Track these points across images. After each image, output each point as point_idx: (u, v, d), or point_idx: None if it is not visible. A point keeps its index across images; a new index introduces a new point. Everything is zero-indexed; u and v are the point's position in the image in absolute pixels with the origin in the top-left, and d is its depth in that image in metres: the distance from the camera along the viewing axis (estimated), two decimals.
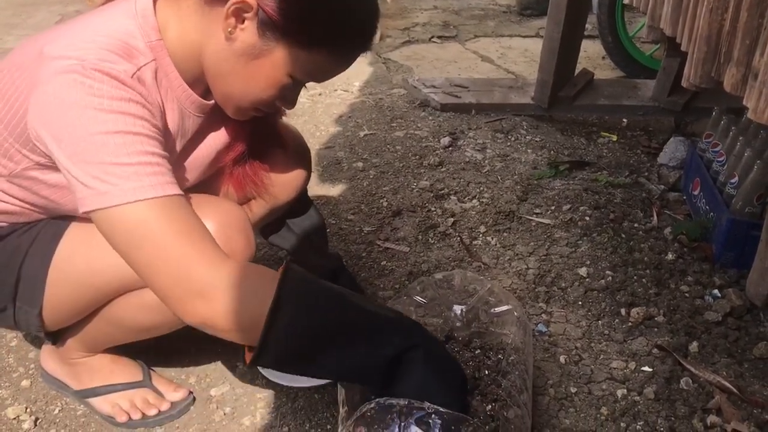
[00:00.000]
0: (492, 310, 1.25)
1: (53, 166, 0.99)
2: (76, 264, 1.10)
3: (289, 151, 1.34)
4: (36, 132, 0.94)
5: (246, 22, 0.96)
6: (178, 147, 1.12)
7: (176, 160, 1.13)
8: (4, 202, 1.10)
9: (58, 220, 1.13)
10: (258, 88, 1.02)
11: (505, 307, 1.26)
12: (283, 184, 1.34)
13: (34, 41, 1.03)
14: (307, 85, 1.09)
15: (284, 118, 1.35)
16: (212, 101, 1.12)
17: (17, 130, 1.00)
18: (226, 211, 1.12)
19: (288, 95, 1.07)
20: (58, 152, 0.91)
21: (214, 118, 1.16)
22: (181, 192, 0.96)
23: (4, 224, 1.13)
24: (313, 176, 1.92)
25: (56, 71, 0.91)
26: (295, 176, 1.37)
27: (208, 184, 1.28)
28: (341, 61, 1.05)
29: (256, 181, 1.27)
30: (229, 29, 0.97)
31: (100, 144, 0.89)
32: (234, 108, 1.08)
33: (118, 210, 0.90)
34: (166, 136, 1.05)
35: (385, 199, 2.06)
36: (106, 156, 0.89)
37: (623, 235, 1.87)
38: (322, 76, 1.06)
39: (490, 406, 1.04)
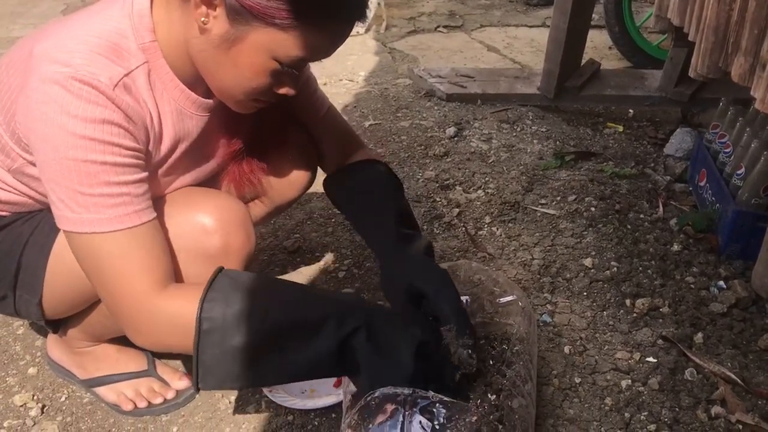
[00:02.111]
0: (497, 301, 1.25)
1: None
2: None
3: (294, 150, 1.32)
4: (23, 134, 0.97)
5: (217, 9, 0.93)
6: (181, 148, 1.11)
7: (181, 160, 1.12)
8: (5, 191, 1.10)
9: None
10: (246, 77, 0.98)
11: (509, 298, 1.26)
12: (286, 183, 1.33)
13: (29, 39, 1.02)
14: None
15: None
16: (212, 100, 1.10)
17: (10, 129, 1.01)
18: (226, 206, 1.12)
19: (284, 81, 1.02)
20: (37, 161, 0.95)
21: (222, 116, 1.15)
22: (145, 219, 0.97)
23: (6, 213, 1.14)
24: None
25: (41, 79, 0.91)
26: (299, 177, 1.35)
27: (209, 182, 1.28)
28: (323, 38, 0.97)
29: (252, 180, 1.26)
30: (203, 19, 0.94)
31: (67, 170, 0.91)
32: (233, 101, 1.06)
33: (77, 236, 0.95)
34: (156, 141, 1.05)
35: None
36: (72, 183, 0.92)
37: (629, 226, 1.86)
38: (308, 55, 0.97)
39: (494, 396, 1.04)
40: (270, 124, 1.24)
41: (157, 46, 1.01)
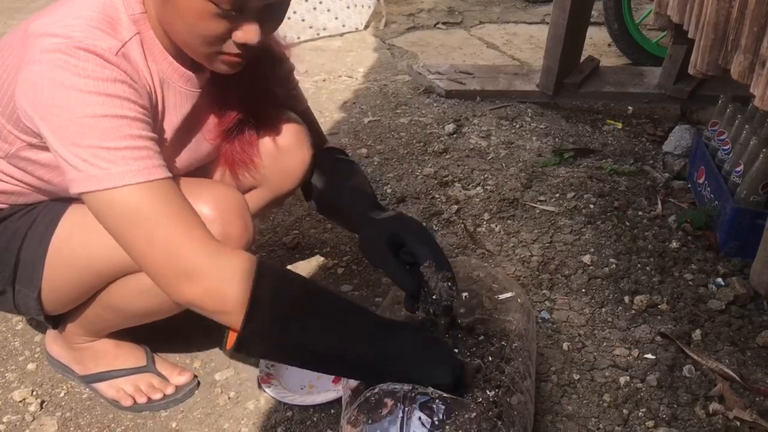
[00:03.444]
0: (495, 297, 1.25)
1: (45, 146, 0.99)
2: (73, 247, 1.10)
3: (290, 136, 1.32)
4: (24, 111, 0.95)
5: None
6: (173, 123, 1.11)
7: (174, 137, 1.12)
8: (3, 182, 1.10)
9: (57, 203, 1.13)
10: (192, 24, 0.95)
11: (508, 294, 1.26)
12: (283, 170, 1.33)
13: (24, 23, 1.02)
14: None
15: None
16: (202, 73, 1.11)
17: (8, 111, 1.00)
18: (224, 195, 1.12)
19: (240, 25, 0.96)
20: (47, 133, 0.92)
21: (210, 93, 1.15)
22: (169, 175, 0.97)
23: (4, 206, 1.14)
24: None
25: (42, 50, 0.91)
26: (296, 163, 1.34)
27: (204, 171, 1.28)
28: None
29: (245, 160, 1.26)
30: None
31: (87, 127, 0.90)
32: (201, 57, 1.02)
33: (108, 194, 0.92)
34: (154, 114, 1.04)
35: (389, 186, 2.06)
36: (94, 140, 0.90)
37: (627, 223, 1.87)
38: None
39: (493, 392, 1.04)
40: (256, 103, 1.23)
41: (145, 18, 1.01)
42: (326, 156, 1.38)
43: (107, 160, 0.90)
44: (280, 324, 0.97)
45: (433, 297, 1.07)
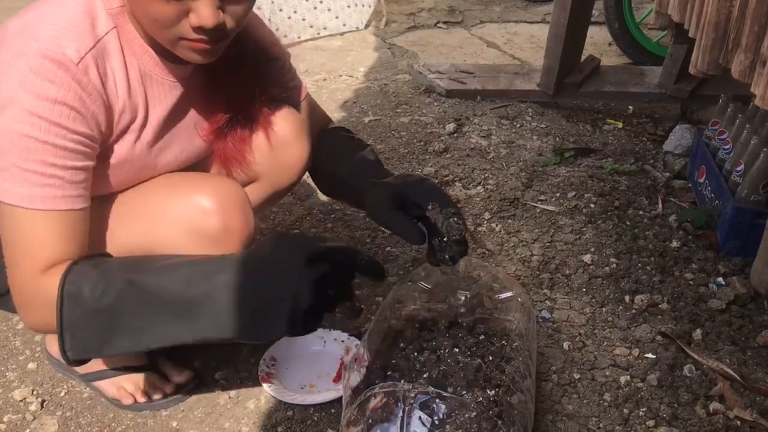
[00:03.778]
0: (496, 297, 1.25)
1: None
2: None
3: (286, 130, 1.30)
4: None
5: None
6: (160, 115, 1.11)
7: (163, 131, 1.13)
8: None
9: None
10: (144, 10, 0.95)
11: (509, 294, 1.26)
12: (281, 165, 1.32)
13: (7, 21, 1.03)
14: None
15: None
16: (184, 65, 1.11)
17: None
18: (225, 189, 1.13)
19: (191, 8, 0.94)
20: None
21: (191, 90, 1.16)
22: (70, 207, 0.98)
23: None
24: None
25: (13, 54, 0.94)
26: (295, 160, 1.33)
27: (202, 168, 1.28)
28: None
29: (238, 157, 1.26)
30: None
31: (12, 142, 0.93)
32: (166, 43, 1.00)
33: (4, 205, 0.96)
34: (127, 113, 1.05)
35: None
36: (12, 155, 0.94)
37: (628, 223, 1.87)
38: None
39: (493, 392, 1.04)
40: (245, 102, 1.23)
41: (124, 11, 1.02)
42: (332, 134, 1.40)
43: (14, 177, 0.94)
44: (97, 326, 0.94)
45: (444, 239, 1.08)
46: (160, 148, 1.15)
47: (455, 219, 1.08)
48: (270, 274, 0.87)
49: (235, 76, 1.18)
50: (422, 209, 1.10)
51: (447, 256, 1.09)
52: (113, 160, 1.08)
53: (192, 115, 1.19)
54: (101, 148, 1.05)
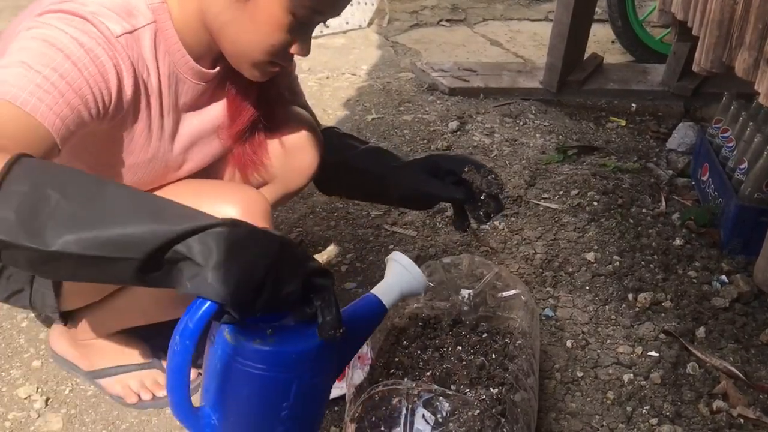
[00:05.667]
0: (499, 295, 1.25)
1: None
2: None
3: (300, 132, 1.31)
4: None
5: None
6: (182, 117, 1.11)
7: (184, 133, 1.13)
8: None
9: None
10: (262, 33, 0.98)
11: (512, 292, 1.26)
12: (294, 168, 1.33)
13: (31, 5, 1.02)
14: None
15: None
16: (214, 70, 1.10)
17: None
18: (251, 198, 1.14)
19: (298, 39, 1.01)
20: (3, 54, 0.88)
21: (217, 93, 1.16)
22: (51, 126, 0.84)
23: None
24: None
25: (47, 11, 0.91)
26: (306, 160, 1.33)
27: (214, 170, 1.28)
28: None
29: (256, 162, 1.26)
30: None
31: (28, 45, 0.87)
32: (249, 64, 1.04)
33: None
34: (153, 99, 1.03)
35: None
36: (23, 54, 0.86)
37: (631, 221, 1.87)
38: (323, 7, 0.98)
39: (497, 390, 1.05)
40: (271, 104, 1.23)
41: (165, 8, 1.01)
42: (330, 134, 1.41)
43: (20, 75, 0.84)
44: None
45: (482, 197, 1.16)
46: (183, 147, 1.14)
47: (493, 176, 1.15)
48: (272, 250, 0.78)
49: (268, 80, 1.16)
50: (456, 174, 1.17)
51: (482, 213, 1.17)
52: (139, 153, 1.07)
53: (214, 118, 1.18)
54: (122, 131, 1.02)
